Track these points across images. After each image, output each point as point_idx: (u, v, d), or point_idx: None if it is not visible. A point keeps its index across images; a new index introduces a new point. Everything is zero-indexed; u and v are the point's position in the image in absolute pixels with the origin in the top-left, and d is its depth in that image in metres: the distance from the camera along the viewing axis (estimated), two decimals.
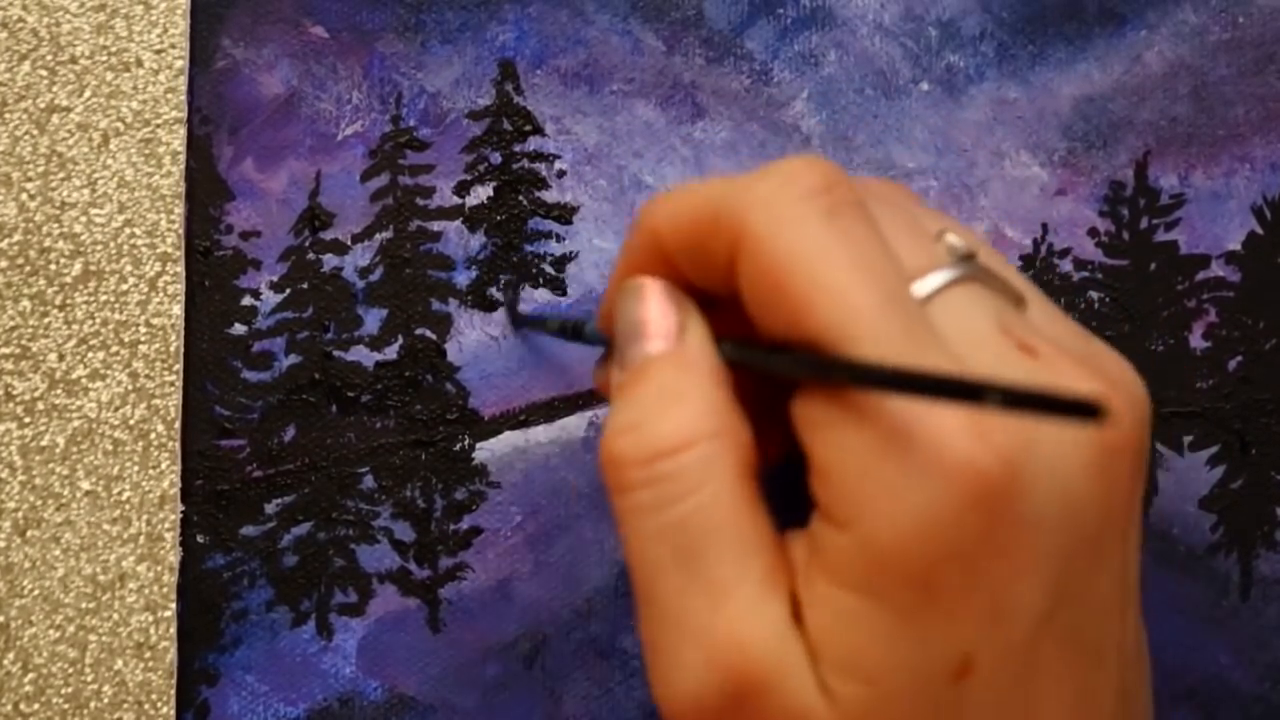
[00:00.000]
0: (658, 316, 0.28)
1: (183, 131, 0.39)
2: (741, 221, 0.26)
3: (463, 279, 0.40)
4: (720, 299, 0.28)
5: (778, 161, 0.26)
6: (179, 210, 0.39)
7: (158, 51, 0.40)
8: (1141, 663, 0.28)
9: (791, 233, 0.25)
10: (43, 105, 0.39)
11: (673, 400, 0.27)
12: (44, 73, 0.39)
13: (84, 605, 0.38)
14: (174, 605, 0.38)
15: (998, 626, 0.25)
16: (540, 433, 0.39)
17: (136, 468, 0.38)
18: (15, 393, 0.39)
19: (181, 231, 0.39)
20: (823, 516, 0.25)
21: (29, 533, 0.38)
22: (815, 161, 0.26)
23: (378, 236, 0.40)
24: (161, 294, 0.39)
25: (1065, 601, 0.25)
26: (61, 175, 0.39)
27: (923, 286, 0.26)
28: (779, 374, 0.26)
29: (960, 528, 0.24)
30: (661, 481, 0.26)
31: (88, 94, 0.39)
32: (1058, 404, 0.21)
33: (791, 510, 0.27)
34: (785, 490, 0.27)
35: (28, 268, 0.39)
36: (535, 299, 0.40)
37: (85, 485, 0.38)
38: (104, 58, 0.40)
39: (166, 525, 0.38)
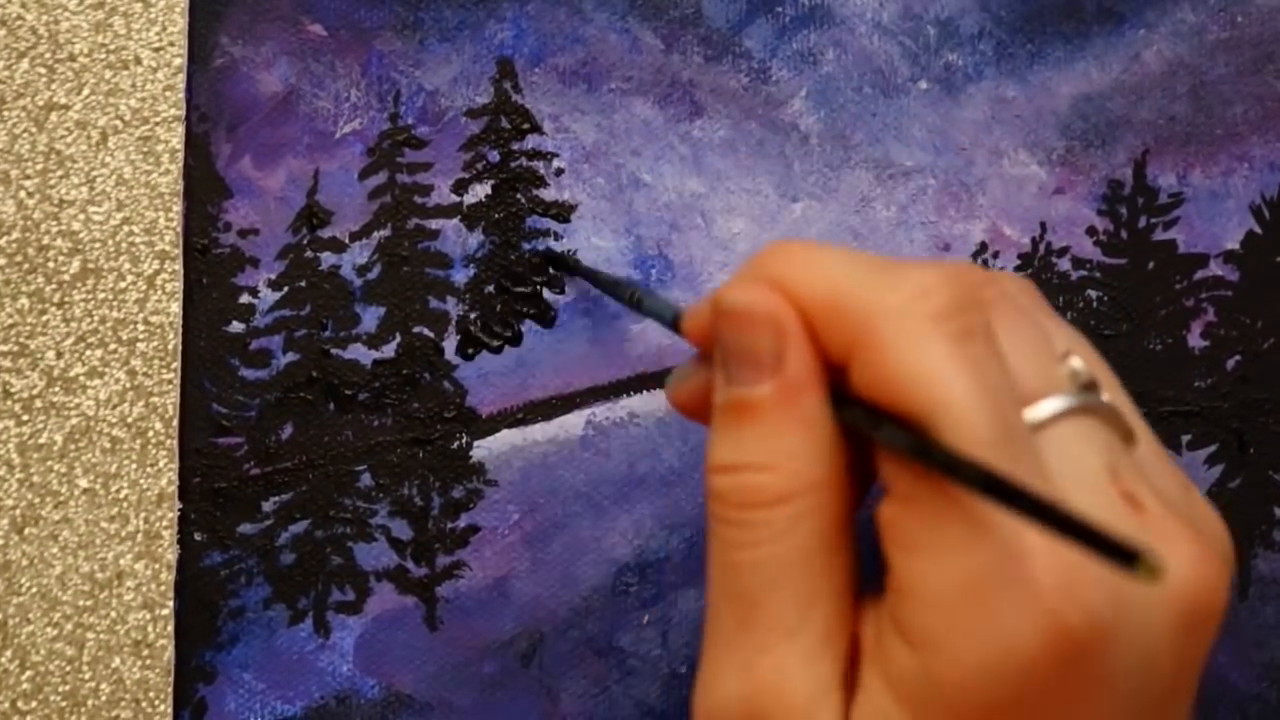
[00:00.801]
0: (780, 353, 0.27)
1: (181, 129, 0.39)
2: (868, 326, 0.26)
3: (461, 277, 0.40)
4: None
5: (914, 269, 0.26)
6: (177, 208, 0.39)
7: (156, 49, 0.40)
8: None
9: (917, 352, 0.25)
10: (41, 103, 0.39)
11: (778, 453, 0.27)
12: (42, 70, 0.39)
13: (82, 603, 0.38)
14: (171, 603, 0.38)
15: None
16: (538, 431, 0.39)
17: (134, 465, 0.38)
18: (13, 390, 0.39)
19: (179, 229, 0.39)
20: (895, 625, 0.25)
21: (27, 530, 0.38)
22: (951, 278, 0.26)
23: (376, 234, 0.40)
24: (159, 292, 0.39)
25: None
26: (60, 173, 0.39)
27: (1038, 412, 0.26)
28: (878, 440, 0.26)
29: (1033, 679, 0.24)
30: (752, 526, 0.27)
31: (86, 92, 0.39)
32: (1115, 551, 0.21)
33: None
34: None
35: (26, 265, 0.39)
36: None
37: (83, 483, 0.38)
38: (102, 55, 0.40)
39: (164, 523, 0.38)
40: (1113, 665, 0.24)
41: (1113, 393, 0.28)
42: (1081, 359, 0.28)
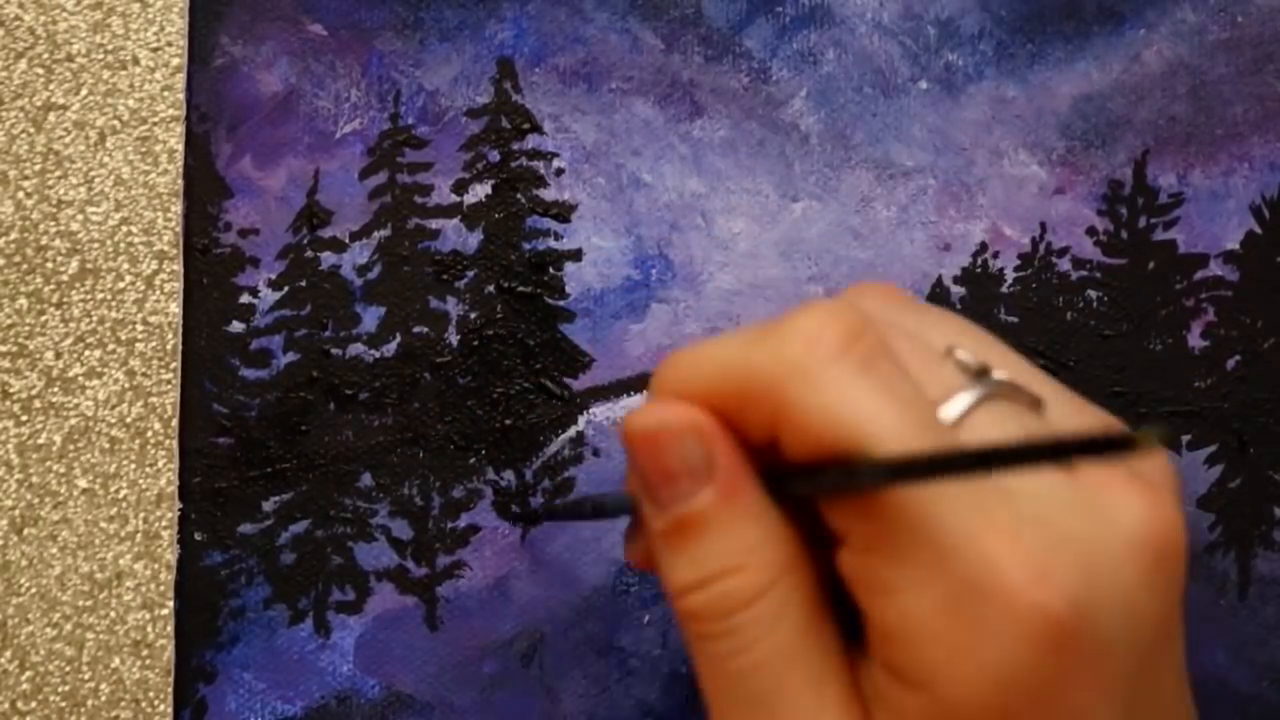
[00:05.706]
0: (711, 456, 0.27)
1: (179, 129, 0.39)
2: (780, 395, 0.26)
3: (461, 277, 0.40)
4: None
5: (797, 317, 0.26)
6: (175, 208, 0.39)
7: (154, 49, 0.40)
8: None
9: (830, 394, 0.25)
10: (39, 103, 0.39)
11: (741, 552, 0.27)
12: (40, 71, 0.39)
13: (81, 603, 0.38)
14: (171, 603, 0.38)
15: None
16: None
17: (133, 466, 0.38)
18: (12, 391, 0.38)
19: (178, 229, 0.39)
20: (890, 673, 0.26)
21: (26, 531, 0.38)
22: (834, 313, 0.26)
23: (376, 234, 0.40)
24: (158, 292, 0.39)
25: (1139, 707, 0.26)
26: (58, 173, 0.39)
27: (949, 412, 0.26)
28: (819, 494, 0.26)
29: (1038, 674, 0.24)
30: (741, 631, 0.26)
31: (84, 92, 0.39)
32: (1094, 446, 0.21)
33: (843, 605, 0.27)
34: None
35: (24, 265, 0.39)
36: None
37: (82, 483, 0.38)
38: (100, 56, 0.39)
39: (164, 523, 0.38)
40: (1104, 634, 0.25)
41: (1005, 365, 0.28)
42: (965, 349, 0.28)
